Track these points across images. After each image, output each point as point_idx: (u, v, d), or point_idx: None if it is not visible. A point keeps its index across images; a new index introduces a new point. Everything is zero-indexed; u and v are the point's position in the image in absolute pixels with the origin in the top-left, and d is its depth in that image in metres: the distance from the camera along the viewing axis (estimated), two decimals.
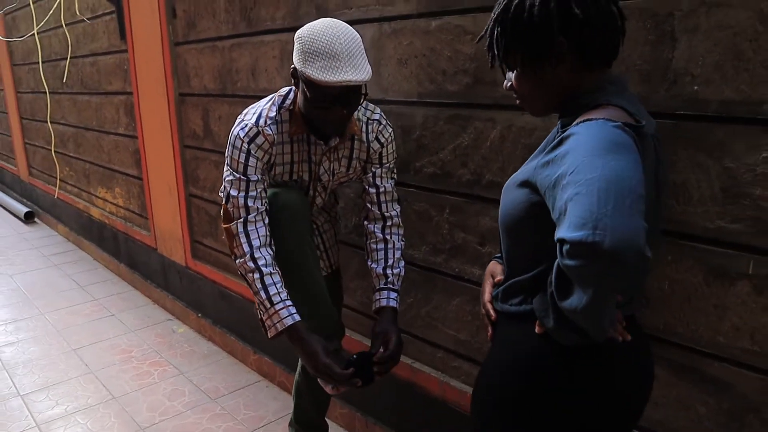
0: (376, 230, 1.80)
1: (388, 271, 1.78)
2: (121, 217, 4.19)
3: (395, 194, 1.80)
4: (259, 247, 1.60)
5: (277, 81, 2.34)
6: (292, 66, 1.54)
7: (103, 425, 2.48)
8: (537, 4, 1.05)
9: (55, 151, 4.98)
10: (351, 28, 1.52)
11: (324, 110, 1.53)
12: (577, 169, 0.92)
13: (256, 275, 1.59)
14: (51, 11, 4.14)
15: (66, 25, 4.08)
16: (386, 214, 1.79)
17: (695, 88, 1.25)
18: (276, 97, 1.66)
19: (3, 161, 7.01)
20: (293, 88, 1.66)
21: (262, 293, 1.59)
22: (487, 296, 1.28)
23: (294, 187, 1.74)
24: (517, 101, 1.20)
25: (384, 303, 1.76)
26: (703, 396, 1.38)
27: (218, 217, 2.96)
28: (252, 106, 1.69)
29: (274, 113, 1.63)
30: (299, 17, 2.16)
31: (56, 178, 5.13)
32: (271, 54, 2.34)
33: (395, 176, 1.81)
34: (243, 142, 1.59)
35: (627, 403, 1.15)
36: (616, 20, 1.08)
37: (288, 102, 1.64)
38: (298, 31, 1.52)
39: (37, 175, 5.79)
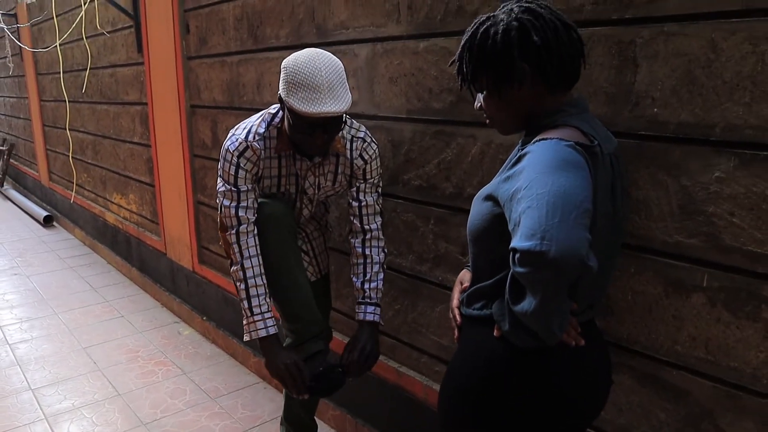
0: (357, 245, 1.90)
1: (366, 286, 1.89)
2: (134, 223, 4.33)
3: (377, 207, 1.89)
4: (249, 257, 1.74)
5: None
6: (279, 92, 1.64)
7: (108, 420, 2.59)
8: (500, 32, 1.15)
9: (73, 158, 5.16)
10: (334, 58, 1.63)
11: (306, 135, 1.64)
12: (530, 185, 1.02)
13: (242, 285, 1.76)
14: (74, 24, 4.33)
15: (87, 37, 4.26)
16: (366, 227, 1.89)
17: (655, 110, 1.34)
18: (266, 114, 1.78)
19: (26, 166, 7.24)
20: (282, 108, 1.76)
21: (245, 302, 1.77)
22: (455, 302, 1.36)
23: (281, 198, 1.85)
24: (486, 121, 1.30)
25: (361, 317, 1.89)
26: (662, 402, 1.44)
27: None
28: (244, 121, 1.80)
29: (263, 129, 1.74)
30: (301, 36, 2.28)
31: (73, 183, 5.31)
32: (275, 69, 2.46)
33: (380, 190, 1.90)
34: (233, 155, 1.71)
35: (577, 405, 1.22)
36: (575, 46, 1.18)
37: (276, 120, 1.76)
38: (284, 61, 1.63)
39: (57, 181, 5.98)
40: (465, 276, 1.41)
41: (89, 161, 4.95)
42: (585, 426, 1.31)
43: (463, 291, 1.35)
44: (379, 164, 1.86)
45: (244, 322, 1.79)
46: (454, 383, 1.28)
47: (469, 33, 1.21)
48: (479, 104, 1.28)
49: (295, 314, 1.82)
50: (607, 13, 1.39)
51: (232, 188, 1.72)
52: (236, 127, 1.79)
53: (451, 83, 1.76)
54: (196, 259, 3.40)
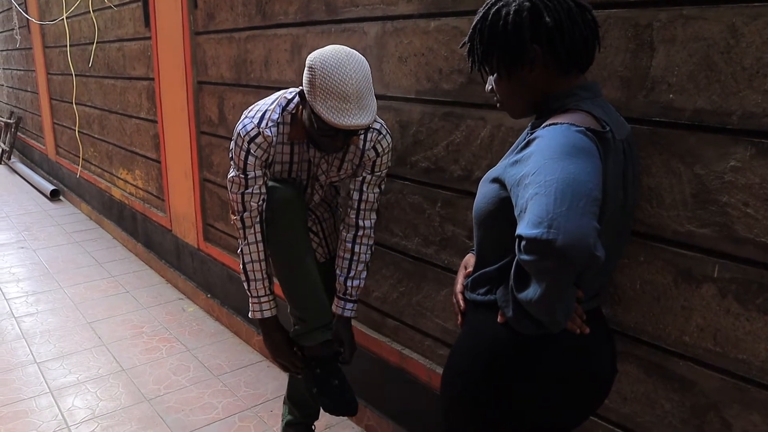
0: (347, 239, 1.90)
1: (349, 283, 1.91)
2: (140, 198, 4.33)
3: (376, 204, 1.89)
4: (248, 244, 1.78)
5: (288, 73, 2.42)
6: (301, 88, 1.61)
7: (112, 394, 2.61)
8: (511, 12, 1.11)
9: (79, 132, 5.15)
10: (362, 60, 1.59)
11: (327, 138, 1.63)
12: (538, 171, 0.99)
13: (242, 267, 1.82)
14: None
15: (94, 11, 4.22)
16: (360, 224, 1.87)
17: (671, 96, 1.30)
18: (281, 98, 1.74)
19: (33, 140, 7.24)
20: (299, 91, 1.73)
21: (245, 283, 1.83)
22: (458, 287, 1.35)
23: (292, 183, 1.84)
24: (497, 104, 1.27)
25: (340, 312, 1.94)
26: (668, 393, 1.43)
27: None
28: (258, 103, 1.76)
29: (277, 116, 1.71)
30: (310, 12, 2.24)
31: (80, 157, 5.30)
32: (283, 47, 2.42)
33: (383, 186, 1.89)
34: (244, 140, 1.69)
35: (580, 393, 1.21)
36: (589, 27, 1.14)
37: (291, 106, 1.72)
38: (311, 56, 1.58)
39: (64, 155, 5.98)
40: (470, 260, 1.39)
41: (96, 136, 4.94)
42: (587, 414, 1.30)
43: (467, 275, 1.33)
44: (389, 158, 1.84)
45: (249, 300, 1.86)
46: (456, 368, 1.27)
47: (481, 14, 1.18)
48: (490, 87, 1.25)
49: (303, 304, 1.83)
50: None
51: (241, 174, 1.71)
52: (250, 108, 1.75)
53: (461, 64, 1.72)
54: (202, 237, 3.40)
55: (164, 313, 3.47)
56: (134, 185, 4.40)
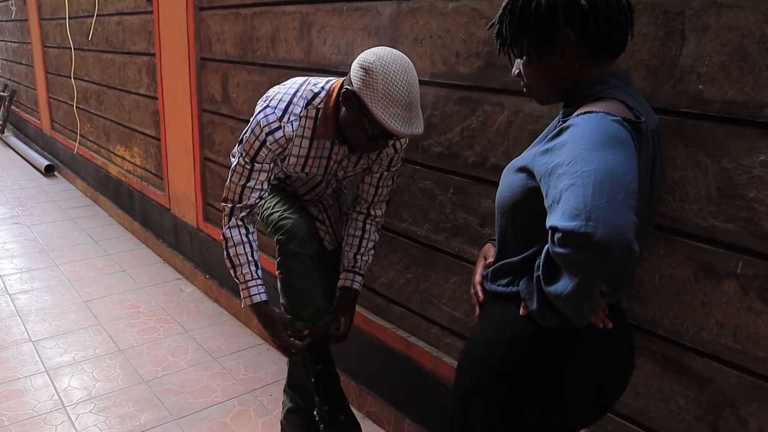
0: (358, 219, 1.90)
1: (359, 257, 1.90)
2: (138, 176, 4.26)
3: (387, 197, 1.90)
4: (230, 228, 1.75)
5: (296, 51, 2.37)
6: (348, 87, 1.55)
7: (108, 375, 2.58)
8: None
9: (77, 107, 5.06)
10: (412, 64, 1.56)
11: (369, 139, 1.59)
12: (574, 161, 0.95)
13: (225, 253, 1.77)
14: None
15: None
16: (372, 213, 1.89)
17: (700, 86, 1.27)
18: (307, 91, 1.67)
19: (27, 114, 7.13)
20: (325, 86, 1.66)
21: (231, 270, 1.79)
22: (477, 277, 1.31)
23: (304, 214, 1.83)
24: (524, 89, 1.23)
25: (348, 284, 1.91)
26: (683, 388, 1.41)
27: None
28: (282, 89, 1.68)
29: (300, 109, 1.65)
30: None
31: (77, 133, 5.22)
32: (292, 25, 2.36)
33: (395, 179, 1.88)
34: (263, 131, 1.63)
35: (600, 388, 1.19)
36: (624, 13, 1.10)
37: (317, 101, 1.66)
38: (367, 57, 1.52)
39: (59, 130, 5.89)
40: (489, 251, 1.35)
41: (93, 111, 4.86)
42: (606, 410, 1.27)
43: (486, 266, 1.30)
44: (404, 154, 1.82)
45: (240, 287, 1.81)
46: (474, 360, 1.24)
47: None
48: (517, 71, 1.21)
49: (305, 318, 1.82)
50: None
51: (247, 164, 1.66)
52: (273, 94, 1.67)
53: (480, 47, 1.68)
54: (201, 217, 3.35)
55: (162, 293, 3.43)
56: (132, 162, 4.34)
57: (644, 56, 1.34)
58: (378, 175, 1.84)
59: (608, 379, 1.20)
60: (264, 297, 1.79)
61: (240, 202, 1.71)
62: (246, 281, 1.77)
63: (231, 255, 1.76)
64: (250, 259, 1.76)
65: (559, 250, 0.92)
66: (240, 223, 1.74)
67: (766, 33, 1.16)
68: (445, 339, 1.99)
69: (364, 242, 1.91)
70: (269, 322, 1.79)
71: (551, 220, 0.94)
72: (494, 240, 1.38)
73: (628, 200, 0.91)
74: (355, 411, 2.36)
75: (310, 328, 1.80)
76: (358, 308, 2.30)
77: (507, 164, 1.51)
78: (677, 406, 1.43)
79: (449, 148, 1.83)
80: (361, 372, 2.37)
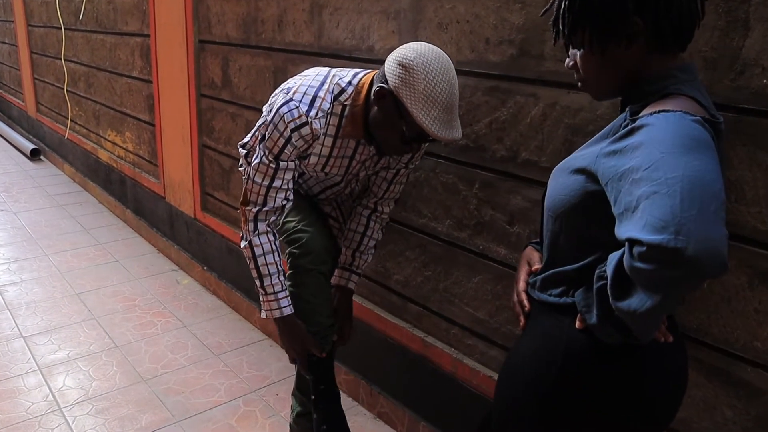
0: (363, 214, 1.82)
1: (357, 255, 1.83)
2: (130, 162, 4.11)
3: (398, 195, 1.82)
4: (258, 234, 1.61)
5: (305, 35, 2.24)
6: (382, 86, 1.43)
7: (105, 373, 2.46)
8: None
9: (67, 91, 4.87)
10: (451, 62, 1.45)
11: (402, 142, 1.48)
12: (655, 165, 0.85)
13: (252, 264, 1.64)
14: None
15: None
16: (380, 209, 1.81)
17: (764, 81, 1.18)
18: (333, 84, 1.53)
19: (11, 95, 6.89)
20: (353, 81, 1.53)
21: (257, 281, 1.65)
22: (521, 284, 1.22)
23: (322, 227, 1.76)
24: (578, 83, 1.12)
25: (343, 283, 1.85)
26: (731, 400, 1.34)
27: (231, 171, 2.90)
28: (306, 80, 1.53)
29: (328, 105, 1.51)
30: None
31: (67, 118, 5.03)
32: (301, 6, 2.23)
33: (409, 177, 1.82)
34: (287, 127, 1.48)
35: (659, 406, 1.11)
36: (695, 1, 1.00)
37: (344, 96, 1.52)
38: (405, 53, 1.40)
39: (46, 113, 5.69)
40: (533, 256, 1.26)
41: (81, 94, 4.68)
42: (663, 428, 1.19)
43: (533, 273, 1.21)
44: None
45: (260, 298, 1.68)
46: (522, 374, 1.15)
47: None
48: (572, 62, 1.10)
49: (313, 336, 1.74)
50: None
51: (271, 163, 1.52)
52: (294, 86, 1.52)
53: (513, 34, 1.57)
54: (199, 206, 3.22)
55: (157, 285, 3.31)
56: (123, 148, 4.18)
57: (702, 47, 1.25)
58: (394, 171, 1.75)
59: (667, 394, 1.12)
60: (289, 311, 1.67)
61: (265, 205, 1.57)
62: (276, 292, 1.64)
63: (260, 264, 1.62)
64: (280, 268, 1.65)
65: (639, 265, 0.82)
66: (268, 229, 1.61)
67: None
68: (466, 340, 1.90)
69: (365, 240, 1.83)
70: (297, 337, 1.70)
71: (629, 231, 0.84)
72: (536, 243, 1.28)
73: (720, 212, 0.82)
74: (365, 411, 2.29)
75: (322, 345, 1.73)
76: (370, 305, 2.21)
77: (541, 160, 1.42)
78: (724, 418, 1.36)
79: (476, 140, 1.73)
80: (372, 371, 2.28)
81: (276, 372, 2.53)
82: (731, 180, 1.24)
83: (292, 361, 1.77)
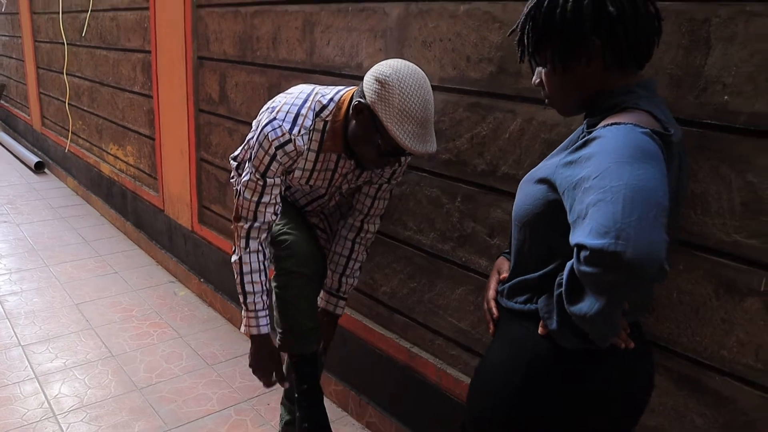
0: (348, 237, 1.87)
1: (343, 279, 1.89)
2: (131, 176, 4.18)
3: (383, 211, 1.86)
4: (249, 253, 1.67)
5: (298, 52, 2.31)
6: (360, 100, 1.49)
7: (101, 382, 2.51)
8: (570, 0, 1.02)
9: (69, 104, 4.96)
10: (427, 78, 1.51)
11: (380, 156, 1.53)
12: (602, 174, 0.90)
13: (239, 279, 1.70)
14: None
15: None
16: (364, 227, 1.85)
17: (725, 98, 1.22)
18: (315, 102, 1.59)
19: (17, 109, 7.01)
20: (334, 98, 1.60)
21: (241, 296, 1.72)
22: (491, 293, 1.27)
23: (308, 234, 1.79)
24: (545, 99, 1.18)
25: (330, 308, 1.91)
26: (701, 408, 1.37)
27: (228, 185, 2.95)
28: (289, 99, 1.60)
29: (310, 122, 1.57)
30: None
31: (68, 130, 5.12)
32: (294, 24, 2.30)
33: (393, 192, 1.86)
34: (271, 145, 1.54)
35: (622, 409, 1.14)
36: (653, 21, 1.06)
37: (326, 113, 1.59)
38: (382, 70, 1.46)
39: (50, 126, 5.78)
40: (503, 265, 1.30)
41: (85, 108, 4.77)
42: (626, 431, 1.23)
43: (501, 281, 1.25)
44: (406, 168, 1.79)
45: (242, 314, 1.75)
46: (490, 380, 1.19)
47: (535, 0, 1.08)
48: (538, 80, 1.16)
49: (296, 336, 1.79)
50: None
51: (259, 180, 1.58)
52: (278, 105, 1.58)
53: (492, 52, 1.63)
54: (196, 219, 3.28)
55: (155, 296, 3.36)
56: (125, 161, 4.25)
57: (667, 65, 1.30)
58: (377, 186, 1.80)
59: (629, 400, 1.16)
60: (266, 330, 1.74)
61: (256, 220, 1.63)
62: (256, 310, 1.71)
63: (245, 282, 1.68)
64: (265, 288, 1.71)
65: (585, 269, 0.87)
66: (260, 248, 1.67)
67: None
68: (450, 350, 1.94)
69: (351, 263, 1.88)
70: (267, 359, 1.77)
71: (577, 237, 0.89)
72: (508, 253, 1.33)
73: (660, 218, 0.86)
74: (354, 421, 2.32)
75: (302, 352, 1.78)
76: (358, 316, 2.26)
77: (519, 173, 1.47)
78: (694, 426, 1.39)
79: (458, 155, 1.78)
80: (360, 382, 2.32)
81: None
82: (696, 193, 1.29)
83: (266, 385, 1.82)
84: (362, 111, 1.49)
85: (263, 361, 1.77)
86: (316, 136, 1.60)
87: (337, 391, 2.40)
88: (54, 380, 2.50)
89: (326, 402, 2.29)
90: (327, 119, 1.58)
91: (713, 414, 1.35)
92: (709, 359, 1.33)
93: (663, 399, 1.43)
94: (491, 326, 1.26)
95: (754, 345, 1.26)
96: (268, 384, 1.81)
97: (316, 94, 1.61)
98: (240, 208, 1.64)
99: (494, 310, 1.24)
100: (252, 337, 1.75)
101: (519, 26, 1.12)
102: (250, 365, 1.80)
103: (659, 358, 1.41)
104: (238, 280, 1.69)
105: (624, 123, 0.98)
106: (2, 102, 7.50)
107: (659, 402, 1.44)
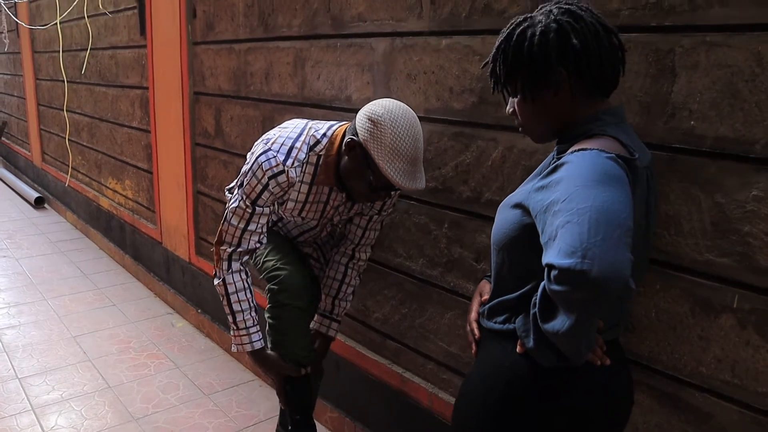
0: (341, 262, 1.92)
1: (336, 303, 1.93)
2: (129, 209, 4.24)
3: (374, 241, 1.92)
4: (231, 273, 1.70)
5: (290, 87, 2.38)
6: (353, 138, 1.56)
7: (97, 413, 2.52)
8: (537, 34, 1.09)
9: (69, 140, 5.05)
10: (417, 118, 1.59)
11: (370, 191, 1.60)
12: (570, 198, 0.96)
13: (225, 300, 1.74)
14: (75, 2, 4.22)
15: (88, 17, 4.16)
16: (356, 255, 1.91)
17: (692, 123, 1.28)
18: (309, 136, 1.66)
19: (18, 146, 7.11)
20: (327, 133, 1.67)
21: (229, 317, 1.75)
22: (473, 314, 1.31)
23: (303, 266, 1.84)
24: (519, 127, 1.24)
25: (323, 330, 1.95)
26: (682, 424, 1.40)
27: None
28: (284, 132, 1.67)
29: (304, 155, 1.64)
30: (315, 26, 2.21)
31: (68, 166, 5.20)
32: (285, 60, 2.38)
33: (384, 223, 1.92)
34: (264, 175, 1.60)
35: (599, 426, 1.17)
36: (615, 52, 1.12)
37: (319, 147, 1.66)
38: (374, 109, 1.54)
39: (50, 162, 5.87)
40: (484, 288, 1.35)
41: (84, 144, 4.85)
42: None
43: (482, 303, 1.29)
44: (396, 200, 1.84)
45: (232, 333, 1.78)
46: (471, 398, 1.23)
47: (505, 34, 1.15)
48: (511, 109, 1.22)
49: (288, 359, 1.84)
50: (646, 19, 1.33)
51: (248, 208, 1.64)
52: (273, 137, 1.66)
53: (473, 84, 1.70)
54: (193, 250, 3.32)
55: (152, 328, 3.39)
56: (123, 195, 4.32)
57: (636, 93, 1.36)
58: (368, 217, 1.86)
59: (607, 416, 1.19)
60: (260, 345, 1.78)
61: (239, 246, 1.67)
62: (247, 327, 1.74)
63: (232, 302, 1.72)
64: (252, 305, 1.75)
65: (555, 287, 0.92)
66: (241, 267, 1.72)
67: (755, 71, 1.18)
68: (441, 375, 1.97)
69: (344, 287, 1.93)
70: (271, 366, 1.81)
71: (547, 258, 0.94)
72: (490, 276, 1.37)
73: (624, 237, 0.91)
74: None
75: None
76: (352, 343, 2.29)
77: (502, 200, 1.52)
78: None
79: (444, 183, 1.83)
80: (355, 408, 2.33)
81: (264, 411, 2.58)
82: (669, 214, 1.34)
83: (294, 375, 1.85)
84: (354, 148, 1.55)
85: (269, 370, 1.82)
86: (310, 169, 1.66)
87: (332, 418, 2.41)
88: (50, 412, 2.52)
89: (322, 430, 2.31)
90: (320, 153, 1.65)
91: (695, 430, 1.38)
92: (689, 376, 1.37)
93: (647, 417, 1.46)
94: (474, 347, 1.29)
95: (730, 361, 1.29)
96: (294, 373, 1.83)
97: (310, 128, 1.67)
98: (224, 233, 1.68)
99: (476, 331, 1.28)
100: (248, 354, 1.79)
101: (491, 59, 1.18)
102: (261, 369, 1.87)
103: (641, 376, 1.44)
104: (224, 302, 1.73)
105: (590, 149, 1.03)
106: (3, 139, 7.61)
107: (643, 420, 1.47)
